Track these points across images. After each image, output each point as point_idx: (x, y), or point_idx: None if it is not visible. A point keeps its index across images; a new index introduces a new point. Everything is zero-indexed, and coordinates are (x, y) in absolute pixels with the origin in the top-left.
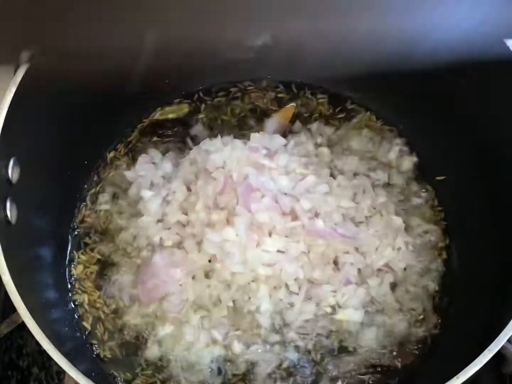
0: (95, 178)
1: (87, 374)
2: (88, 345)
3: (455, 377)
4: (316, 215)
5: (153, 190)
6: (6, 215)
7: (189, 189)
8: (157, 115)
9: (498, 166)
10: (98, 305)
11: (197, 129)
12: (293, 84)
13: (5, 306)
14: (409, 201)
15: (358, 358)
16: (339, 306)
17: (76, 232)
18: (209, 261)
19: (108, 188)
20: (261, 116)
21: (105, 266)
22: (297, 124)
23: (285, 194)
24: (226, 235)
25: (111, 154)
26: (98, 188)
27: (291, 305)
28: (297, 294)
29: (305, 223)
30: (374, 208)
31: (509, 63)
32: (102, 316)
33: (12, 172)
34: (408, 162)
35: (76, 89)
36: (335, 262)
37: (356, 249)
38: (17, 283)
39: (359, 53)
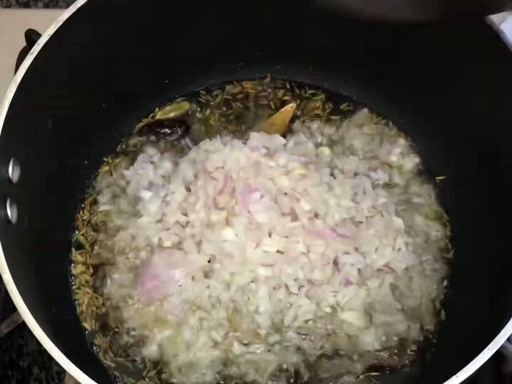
0: (95, 178)
1: (87, 373)
2: (88, 345)
3: (454, 376)
4: (316, 215)
5: (152, 190)
6: (6, 215)
7: (188, 189)
8: (157, 114)
9: (498, 166)
10: (98, 305)
11: (197, 129)
12: (293, 84)
13: (5, 305)
14: (410, 201)
15: (358, 358)
16: (339, 307)
17: (76, 232)
18: (209, 261)
19: (108, 188)
20: (261, 116)
21: (105, 266)
22: (297, 123)
23: (285, 194)
24: (225, 236)
25: (111, 154)
26: (97, 188)
27: (291, 305)
28: (297, 294)
29: (305, 223)
30: (374, 208)
31: (508, 60)
32: (102, 316)
33: (12, 172)
34: (409, 162)
35: (76, 89)
36: (335, 263)
37: (356, 249)
38: (17, 282)
39: None
